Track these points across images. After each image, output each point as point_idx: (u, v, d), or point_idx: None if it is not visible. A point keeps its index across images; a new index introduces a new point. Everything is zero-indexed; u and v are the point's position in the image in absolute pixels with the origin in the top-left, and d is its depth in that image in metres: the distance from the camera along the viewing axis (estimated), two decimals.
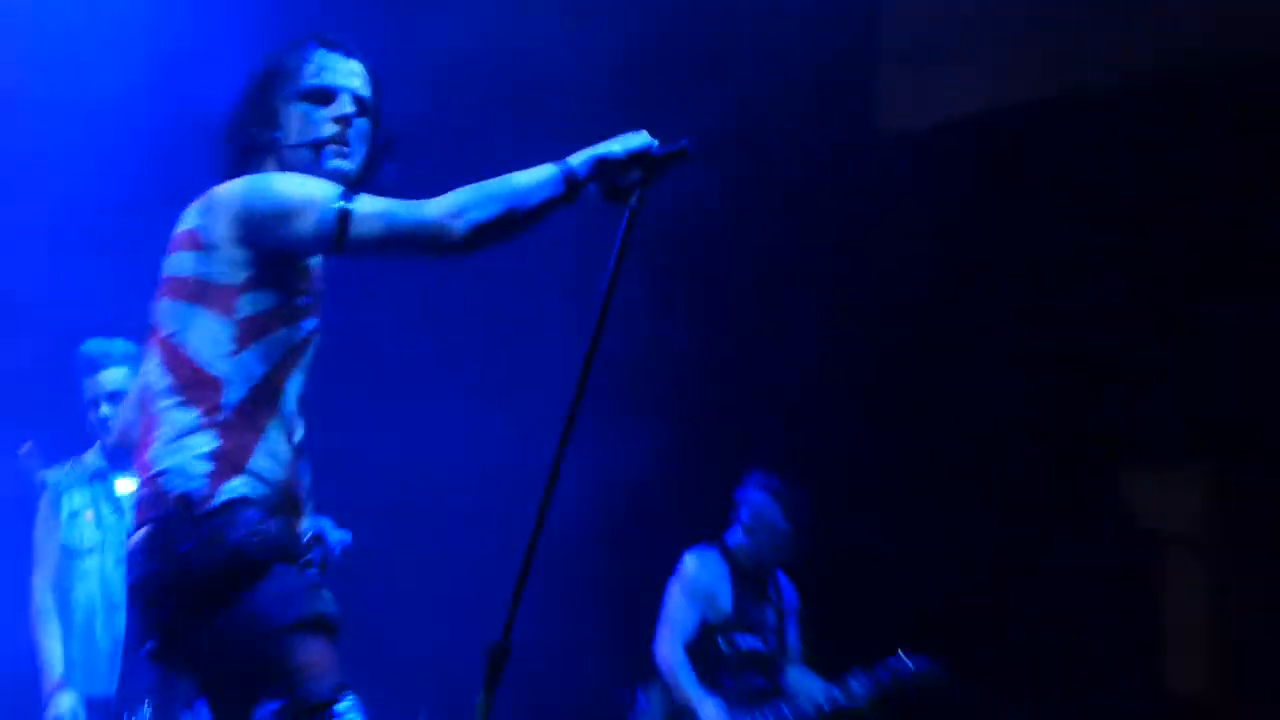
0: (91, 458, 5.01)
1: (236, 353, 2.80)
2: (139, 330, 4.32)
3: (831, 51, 6.60)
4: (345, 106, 2.91)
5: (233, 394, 2.78)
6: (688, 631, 5.50)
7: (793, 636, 5.67)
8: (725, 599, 5.55)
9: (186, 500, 2.73)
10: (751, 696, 5.49)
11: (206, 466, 2.73)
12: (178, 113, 5.77)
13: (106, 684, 4.79)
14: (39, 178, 6.32)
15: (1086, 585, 6.58)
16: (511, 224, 2.78)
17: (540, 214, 2.79)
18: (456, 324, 6.54)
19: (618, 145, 2.82)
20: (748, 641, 5.56)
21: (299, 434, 2.95)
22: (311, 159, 2.86)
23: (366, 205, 2.77)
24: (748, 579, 5.57)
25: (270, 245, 2.80)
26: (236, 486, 2.76)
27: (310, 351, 2.96)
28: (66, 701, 4.74)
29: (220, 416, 2.77)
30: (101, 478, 4.97)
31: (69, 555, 4.91)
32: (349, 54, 2.98)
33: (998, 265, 6.69)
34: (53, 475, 5.02)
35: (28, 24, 6.27)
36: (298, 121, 2.91)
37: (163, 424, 2.81)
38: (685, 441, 6.35)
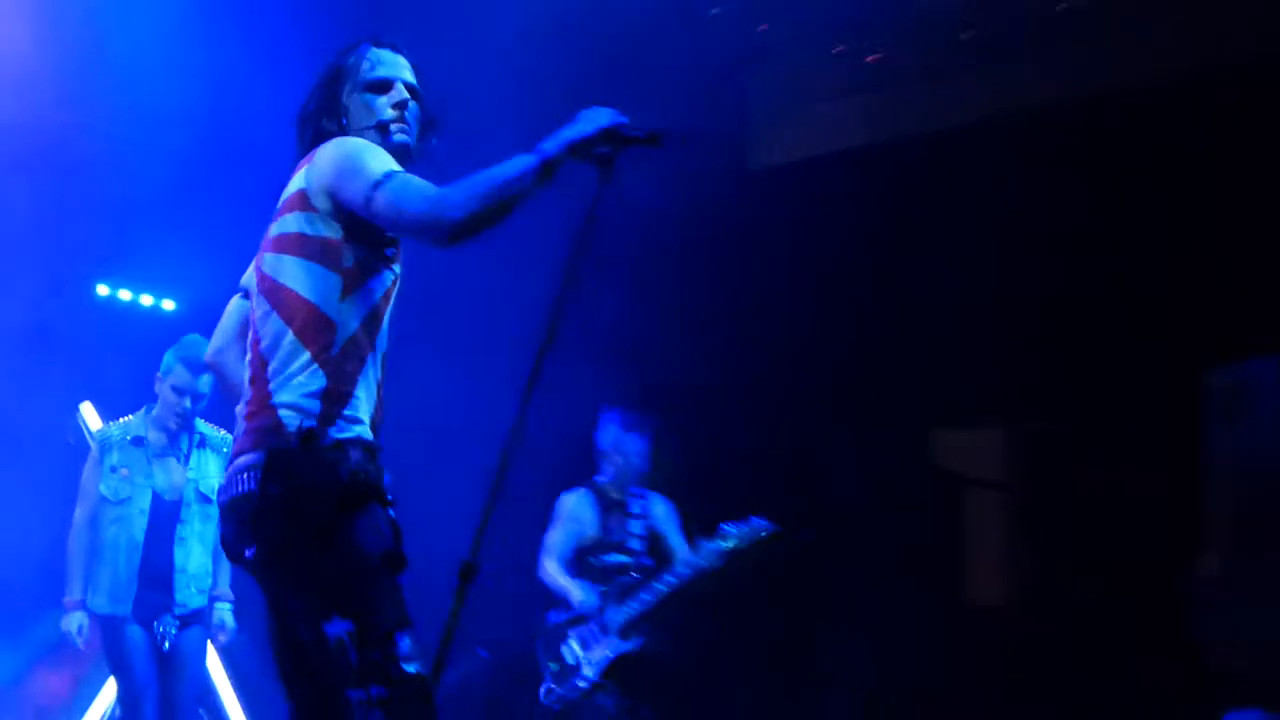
0: (134, 423, 5.43)
1: (343, 299, 2.90)
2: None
3: (718, 91, 7.10)
4: (401, 93, 3.08)
5: (342, 334, 2.88)
6: (562, 553, 5.96)
7: (673, 540, 6.05)
8: (593, 526, 5.99)
9: (305, 435, 2.84)
10: (621, 594, 5.86)
11: (318, 405, 2.85)
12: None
13: (125, 606, 5.22)
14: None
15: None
16: (499, 212, 2.79)
17: (522, 200, 2.81)
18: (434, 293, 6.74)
19: (587, 125, 2.88)
20: (613, 558, 5.96)
21: (384, 370, 3.04)
22: (378, 139, 3.00)
23: (391, 188, 2.85)
24: (612, 506, 6.02)
25: (337, 198, 2.91)
26: (345, 427, 2.89)
27: (395, 295, 3.05)
28: (76, 619, 5.21)
29: (331, 353, 2.87)
30: (139, 442, 5.37)
31: (104, 502, 5.26)
32: (397, 50, 3.17)
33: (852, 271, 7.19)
34: (101, 433, 5.47)
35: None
36: (362, 109, 3.07)
37: (277, 360, 2.90)
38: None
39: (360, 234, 2.88)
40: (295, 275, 2.88)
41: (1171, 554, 5.79)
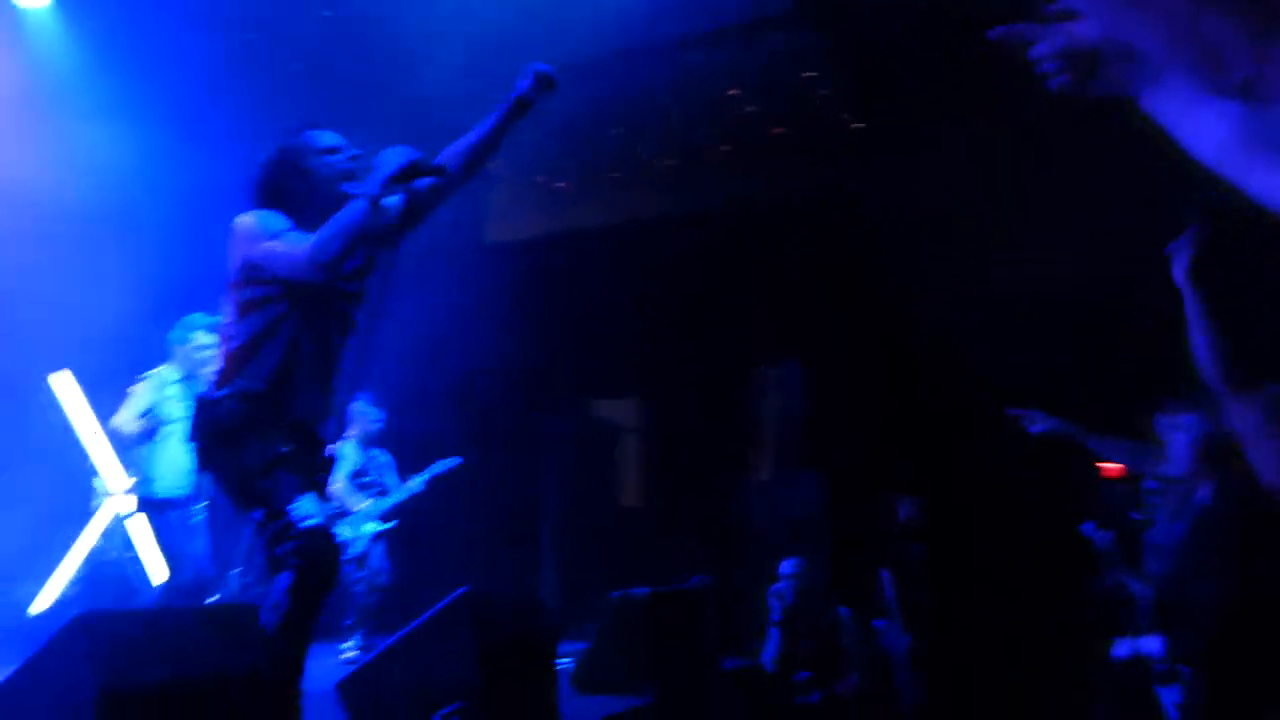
0: (170, 370, 5.90)
1: (238, 320, 3.32)
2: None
3: (471, 198, 7.34)
4: (350, 150, 3.44)
5: (233, 344, 3.32)
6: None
7: (393, 480, 7.12)
8: (355, 462, 7.00)
9: (200, 395, 3.38)
10: (379, 495, 6.91)
11: (215, 378, 3.34)
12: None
13: (181, 490, 5.70)
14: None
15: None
16: (354, 245, 3.15)
17: (362, 231, 3.13)
18: None
19: (390, 164, 3.13)
20: (365, 481, 6.98)
21: (293, 376, 3.32)
22: (341, 185, 3.31)
23: (283, 243, 3.18)
24: (363, 450, 7.09)
25: (246, 255, 3.26)
26: (234, 389, 3.30)
27: (290, 324, 3.30)
28: (134, 500, 5.70)
29: (227, 352, 3.34)
30: (175, 382, 5.85)
31: (163, 420, 5.73)
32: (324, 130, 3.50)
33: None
34: (153, 374, 5.87)
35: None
36: (324, 167, 3.37)
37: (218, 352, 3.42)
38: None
39: (251, 280, 3.30)
40: (224, 302, 3.39)
41: (738, 468, 7.92)
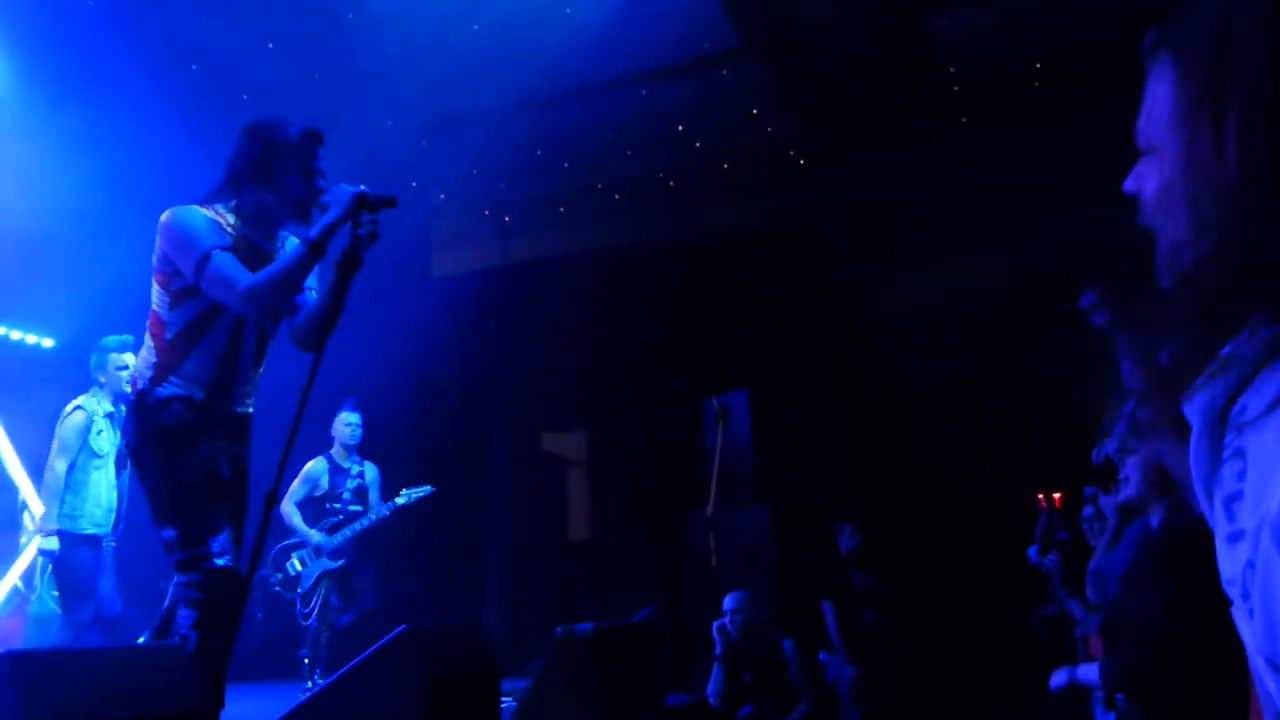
0: (101, 400, 5.75)
1: (170, 309, 3.18)
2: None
3: (417, 230, 8.39)
4: (323, 183, 3.27)
5: (170, 331, 3.18)
6: (295, 499, 6.48)
7: (374, 497, 6.73)
8: (325, 482, 6.66)
9: (140, 393, 3.18)
10: (331, 530, 6.51)
11: (151, 372, 3.17)
12: None
13: (106, 527, 5.62)
14: None
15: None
16: (285, 290, 3.10)
17: (301, 277, 3.08)
18: None
19: (337, 206, 3.02)
20: (334, 506, 6.60)
21: (236, 361, 3.23)
22: (299, 210, 3.24)
23: (215, 262, 3.04)
24: (339, 469, 6.71)
25: (170, 257, 3.15)
26: (170, 390, 3.15)
27: (228, 315, 3.17)
28: (56, 541, 5.51)
29: (163, 343, 3.18)
30: (109, 416, 5.74)
31: (92, 454, 5.62)
32: (322, 144, 3.32)
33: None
34: (89, 407, 5.71)
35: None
36: (297, 186, 3.22)
37: (144, 343, 3.27)
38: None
39: (180, 273, 3.20)
40: (152, 291, 3.27)
41: (687, 503, 7.64)
